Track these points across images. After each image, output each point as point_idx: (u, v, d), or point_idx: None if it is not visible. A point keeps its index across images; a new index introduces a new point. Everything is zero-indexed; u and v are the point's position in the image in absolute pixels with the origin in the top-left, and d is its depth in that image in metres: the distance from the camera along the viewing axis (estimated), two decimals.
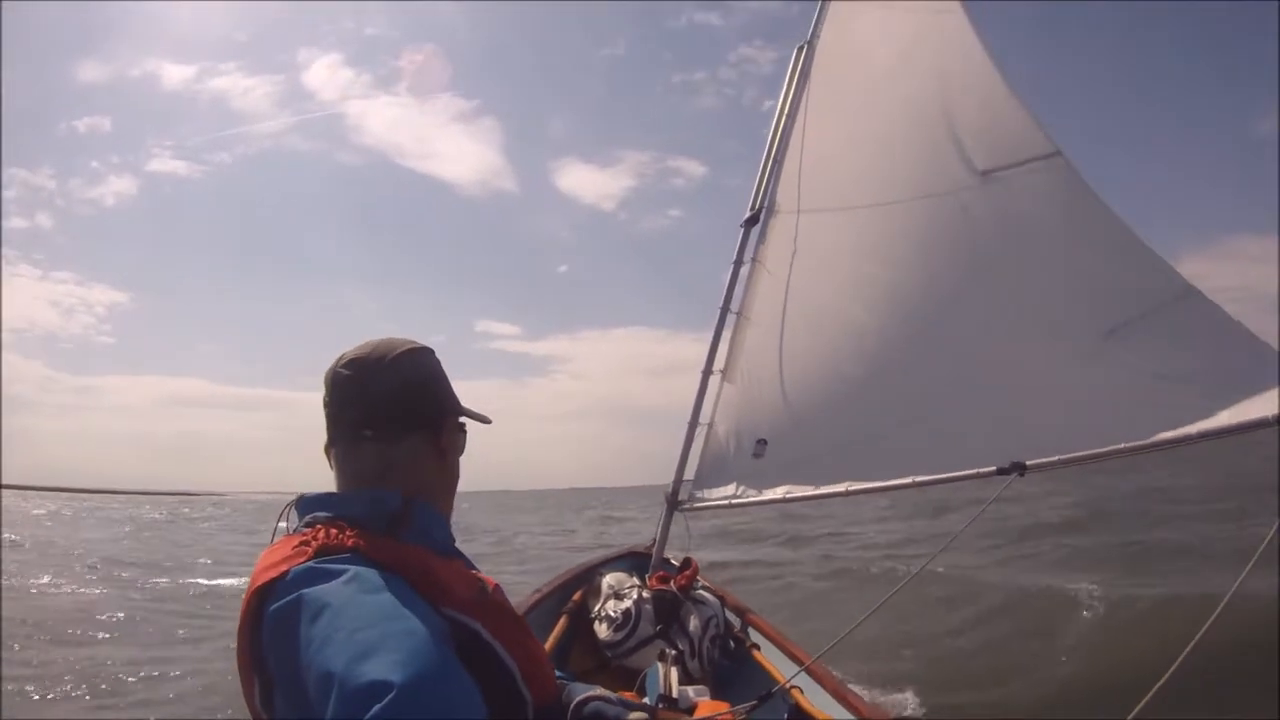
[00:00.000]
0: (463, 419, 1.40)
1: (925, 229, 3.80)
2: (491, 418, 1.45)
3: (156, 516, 39.51)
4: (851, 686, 3.06)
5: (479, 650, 1.11)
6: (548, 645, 3.46)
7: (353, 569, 1.02)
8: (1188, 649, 1.59)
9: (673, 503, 4.51)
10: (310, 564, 1.03)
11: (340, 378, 1.28)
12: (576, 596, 4.25)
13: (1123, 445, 2.61)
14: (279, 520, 1.23)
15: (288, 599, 0.98)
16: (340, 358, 1.31)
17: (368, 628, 0.90)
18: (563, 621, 3.91)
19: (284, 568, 1.04)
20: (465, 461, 1.42)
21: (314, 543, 1.08)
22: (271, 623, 0.99)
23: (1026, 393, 3.17)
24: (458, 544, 1.34)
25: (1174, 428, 2.55)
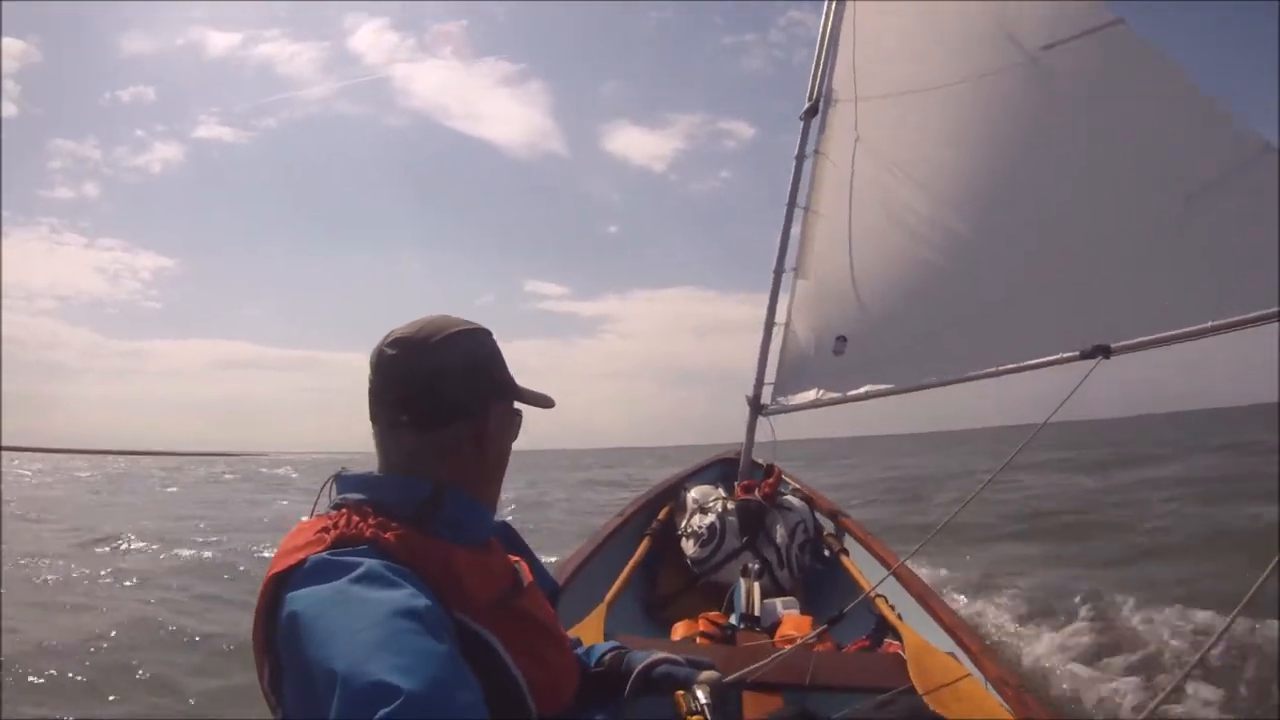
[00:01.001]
0: (518, 404, 1.32)
1: (988, 108, 3.63)
2: (554, 400, 1.36)
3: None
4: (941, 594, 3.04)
5: (485, 657, 1.08)
6: (627, 570, 3.39)
7: (366, 563, 0.99)
8: (1204, 650, 1.53)
9: (755, 406, 4.56)
10: (324, 555, 1.02)
11: (384, 357, 1.21)
12: (662, 515, 4.19)
13: (1209, 324, 2.53)
14: (319, 495, 1.21)
15: (299, 590, 0.98)
16: (388, 335, 1.23)
17: (374, 626, 0.89)
18: (644, 544, 3.79)
19: (302, 555, 1.03)
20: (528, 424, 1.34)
21: (333, 530, 1.07)
22: (284, 612, 0.98)
23: (1107, 273, 3.06)
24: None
25: (1267, 303, 2.43)
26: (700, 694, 1.81)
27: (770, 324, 4.65)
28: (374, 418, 1.23)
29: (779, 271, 4.66)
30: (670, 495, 4.41)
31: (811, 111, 4.55)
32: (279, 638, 0.98)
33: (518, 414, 1.33)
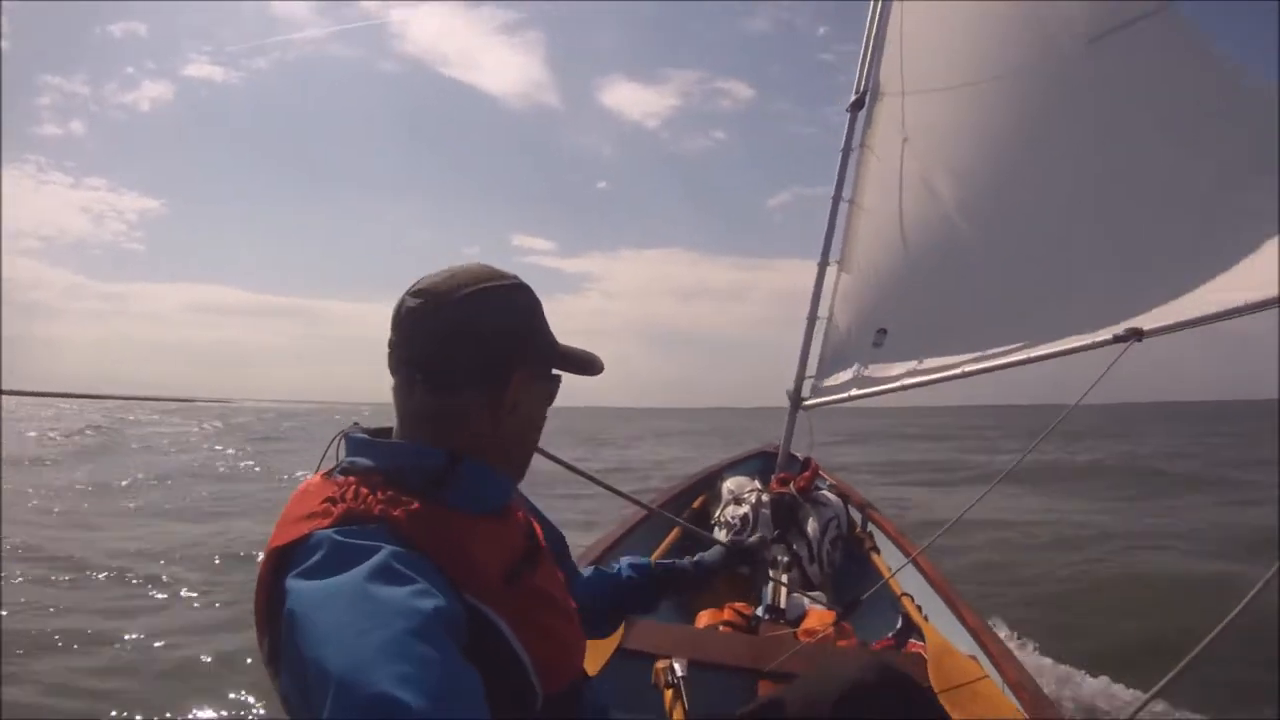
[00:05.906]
0: (555, 369, 1.23)
1: (1034, 102, 3.62)
2: (601, 362, 1.25)
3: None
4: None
5: (492, 639, 1.03)
6: (657, 554, 3.32)
7: (374, 553, 0.92)
8: (1214, 633, 1.48)
9: (796, 401, 4.60)
10: (331, 534, 0.95)
11: (405, 309, 1.12)
12: (696, 504, 4.21)
13: (1242, 303, 2.50)
14: (326, 451, 1.13)
15: (302, 578, 0.91)
16: (414, 284, 1.14)
17: (378, 628, 0.82)
18: (674, 532, 3.72)
19: (306, 528, 0.97)
20: None
21: (340, 504, 1.00)
22: (286, 597, 0.91)
23: (1148, 259, 3.04)
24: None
25: None
26: (678, 667, 1.88)
27: (813, 318, 4.69)
28: (391, 370, 1.15)
29: (823, 264, 4.70)
30: (706, 485, 4.45)
31: (858, 104, 4.59)
32: (282, 627, 0.90)
33: (553, 380, 1.23)
